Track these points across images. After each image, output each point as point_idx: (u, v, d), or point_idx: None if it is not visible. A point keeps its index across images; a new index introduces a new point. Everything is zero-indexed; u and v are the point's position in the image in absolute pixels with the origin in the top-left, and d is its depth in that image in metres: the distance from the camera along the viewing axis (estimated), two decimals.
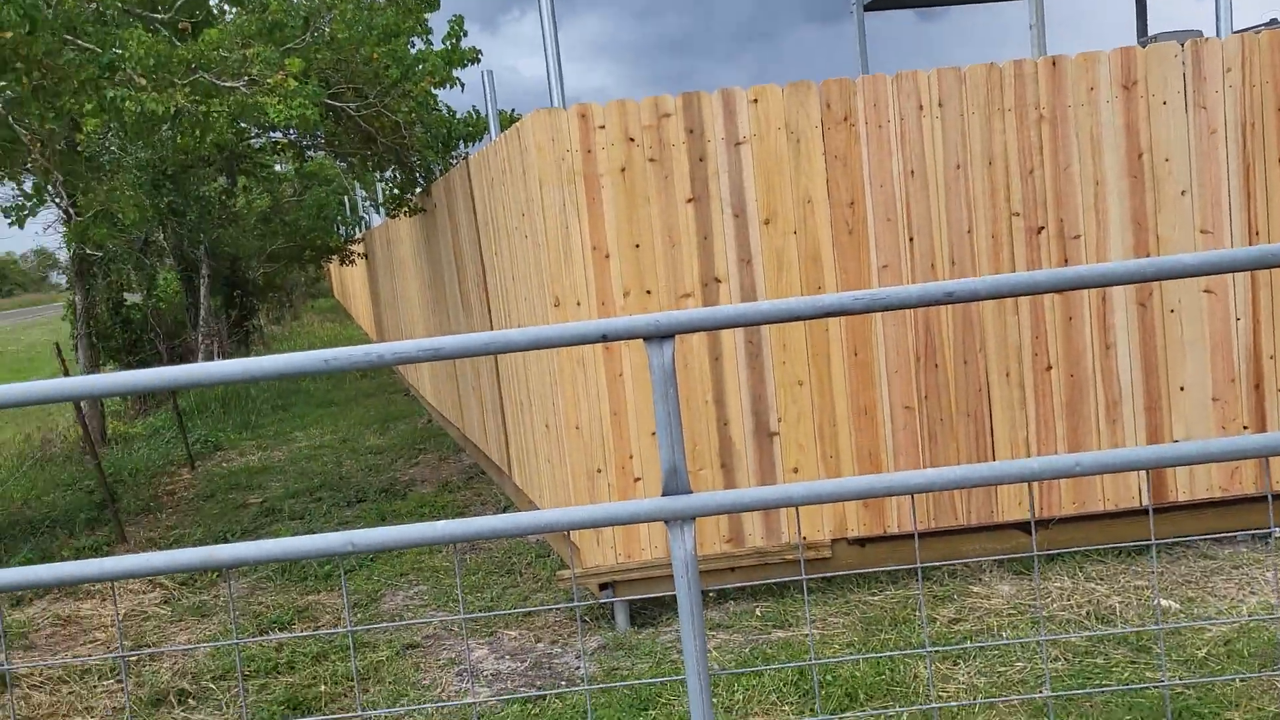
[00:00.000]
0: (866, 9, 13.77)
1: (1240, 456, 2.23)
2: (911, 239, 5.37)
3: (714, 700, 4.35)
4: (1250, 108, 5.27)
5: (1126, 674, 4.18)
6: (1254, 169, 5.29)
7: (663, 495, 2.44)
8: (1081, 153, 5.32)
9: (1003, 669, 4.37)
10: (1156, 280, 2.33)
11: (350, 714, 3.47)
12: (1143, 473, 5.44)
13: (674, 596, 5.48)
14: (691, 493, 2.44)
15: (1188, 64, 5.27)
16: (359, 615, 5.94)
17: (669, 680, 2.95)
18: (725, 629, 5.16)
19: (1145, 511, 5.45)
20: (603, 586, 5.40)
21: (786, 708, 4.23)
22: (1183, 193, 5.31)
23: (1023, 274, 2.37)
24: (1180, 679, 4.09)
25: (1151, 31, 13.44)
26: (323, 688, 4.95)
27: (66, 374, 8.80)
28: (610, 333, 2.42)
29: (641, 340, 2.46)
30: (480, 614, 2.52)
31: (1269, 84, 5.26)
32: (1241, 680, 3.98)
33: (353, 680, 4.99)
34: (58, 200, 10.44)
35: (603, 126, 5.28)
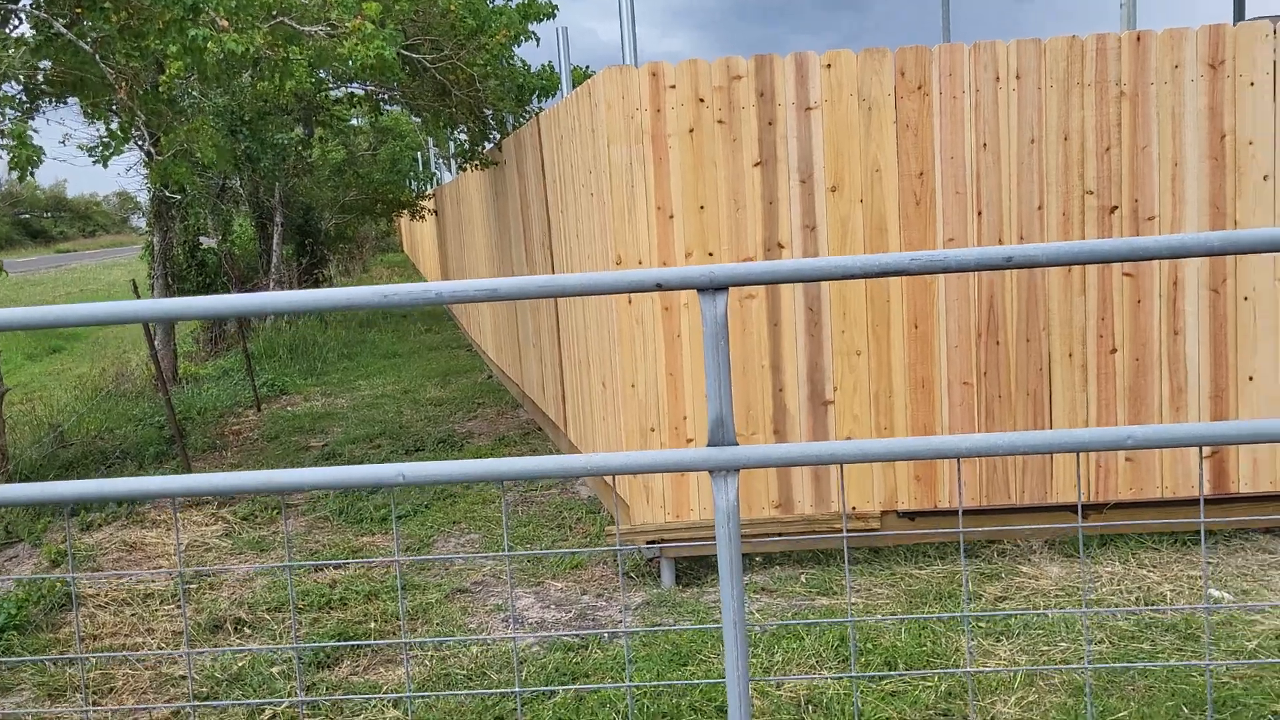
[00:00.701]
0: None
1: (1263, 439, 2.19)
2: (980, 213, 5.30)
3: (753, 660, 4.40)
4: None
5: (1172, 660, 4.13)
6: None
7: (709, 446, 2.46)
8: (1161, 132, 5.19)
9: (1045, 647, 4.35)
10: (1224, 254, 2.28)
11: (395, 640, 3.57)
12: (1204, 460, 5.33)
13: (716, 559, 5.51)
14: (737, 444, 2.46)
15: (1279, 44, 5.10)
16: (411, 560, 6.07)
17: (706, 628, 2.99)
18: (769, 593, 5.18)
19: (1203, 500, 5.35)
20: (650, 544, 5.45)
21: (825, 671, 4.25)
22: (1265, 178, 5.16)
23: (1086, 242, 2.33)
24: (1225, 667, 4.03)
25: (1249, 16, 12.97)
26: (372, 624, 5.09)
27: None
28: (664, 281, 2.45)
29: (696, 294, 2.48)
30: (521, 552, 2.58)
31: None
32: None
33: (401, 619, 5.12)
34: (140, 142, 10.71)
35: (673, 86, 5.27)
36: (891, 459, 2.44)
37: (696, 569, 5.55)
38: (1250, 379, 5.28)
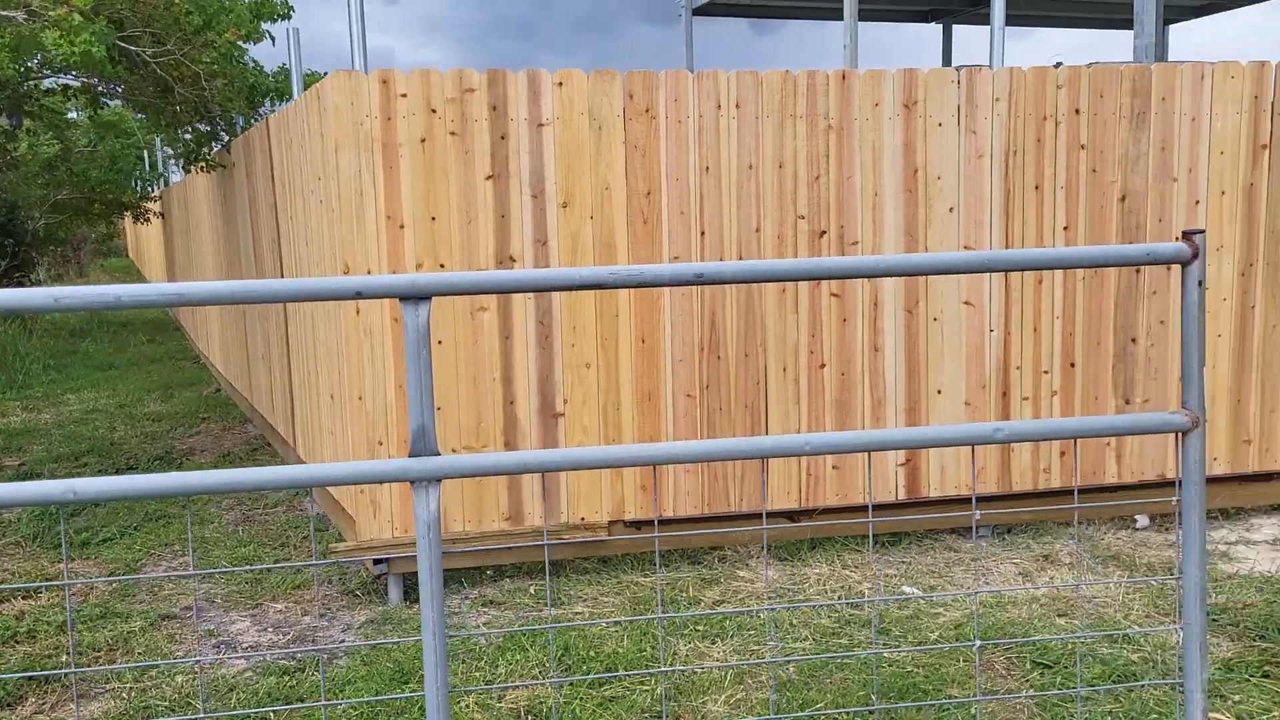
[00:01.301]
0: (696, 13, 14.11)
1: (927, 445, 2.43)
2: (703, 233, 5.55)
3: (476, 674, 4.39)
4: (1014, 136, 5.70)
5: (868, 655, 4.45)
6: (1014, 193, 5.73)
7: (410, 456, 2.44)
8: (863, 164, 5.62)
9: (756, 647, 4.58)
10: (889, 276, 2.50)
11: (77, 670, 3.30)
12: (899, 467, 5.80)
13: (449, 572, 5.46)
14: (439, 454, 2.46)
15: (962, 90, 5.65)
16: (114, 585, 5.64)
17: (397, 642, 2.95)
18: (498, 605, 5.19)
19: (900, 504, 5.82)
20: (377, 561, 5.33)
21: (548, 683, 4.30)
22: (951, 210, 5.70)
23: (768, 261, 2.50)
24: (899, 656, 4.39)
25: (954, 64, 14.30)
26: (64, 657, 4.69)
27: None
28: (365, 290, 2.41)
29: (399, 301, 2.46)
30: (209, 571, 2.46)
31: (1031, 116, 5.70)
32: (964, 660, 4.32)
33: (99, 650, 4.75)
34: None
35: (404, 95, 5.21)
36: (586, 467, 2.51)
37: None
38: (939, 392, 5.80)
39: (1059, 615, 4.81)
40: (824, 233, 5.63)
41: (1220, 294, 5.95)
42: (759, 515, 5.75)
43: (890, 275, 2.48)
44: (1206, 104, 5.81)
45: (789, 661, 2.63)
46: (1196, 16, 14.33)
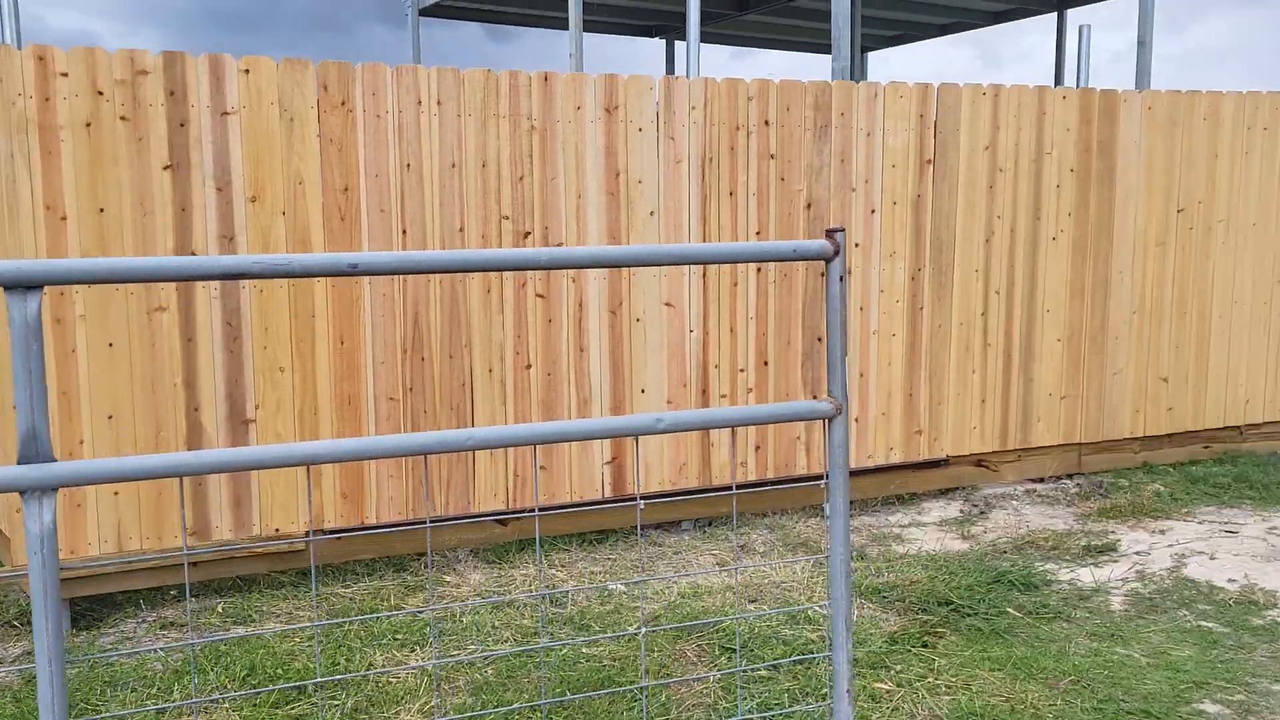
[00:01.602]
0: (423, 13, 13.86)
1: (592, 437, 2.46)
2: (405, 231, 5.41)
3: (150, 699, 4.05)
4: (709, 144, 5.93)
5: (565, 650, 4.47)
6: (709, 198, 5.96)
7: (19, 463, 2.19)
8: (567, 166, 5.67)
9: (456, 651, 4.50)
10: (550, 269, 2.50)
11: None
12: (605, 466, 5.89)
13: (126, 594, 5.04)
14: (54, 460, 2.22)
15: (661, 98, 5.82)
16: None
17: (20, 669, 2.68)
18: (180, 627, 4.82)
19: (607, 502, 5.91)
20: None
21: (226, 705, 4.03)
22: (651, 213, 5.85)
23: (429, 252, 2.43)
24: (598, 651, 4.45)
25: (677, 72, 14.80)
26: None
27: None
28: None
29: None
30: None
31: (725, 124, 5.95)
32: (660, 649, 4.42)
33: None
34: None
35: (65, 74, 4.75)
36: (236, 469, 2.35)
37: (101, 609, 5.02)
38: (643, 391, 5.93)
39: (750, 601, 5.03)
40: (529, 234, 5.63)
41: (894, 297, 6.45)
42: (465, 519, 5.67)
43: (516, 269, 2.48)
44: (880, 120, 6.28)
45: (451, 662, 2.57)
46: (891, 45, 15.57)
